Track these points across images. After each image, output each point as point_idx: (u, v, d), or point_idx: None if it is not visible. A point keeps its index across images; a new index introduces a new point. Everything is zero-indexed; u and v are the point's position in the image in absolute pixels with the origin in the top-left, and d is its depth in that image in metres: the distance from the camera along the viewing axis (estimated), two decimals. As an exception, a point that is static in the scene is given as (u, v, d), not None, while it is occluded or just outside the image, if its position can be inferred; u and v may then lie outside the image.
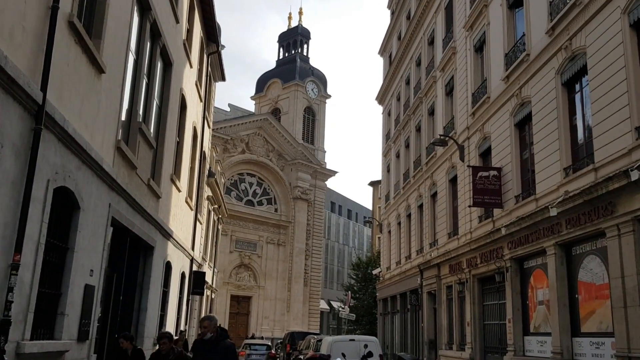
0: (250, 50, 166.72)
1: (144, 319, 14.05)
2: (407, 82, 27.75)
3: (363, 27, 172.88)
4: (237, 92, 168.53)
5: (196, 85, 19.90)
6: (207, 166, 24.77)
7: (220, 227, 32.76)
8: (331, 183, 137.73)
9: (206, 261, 25.93)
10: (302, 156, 56.55)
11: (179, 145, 17.64)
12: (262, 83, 62.63)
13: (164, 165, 15.14)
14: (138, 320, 14.01)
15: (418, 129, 25.08)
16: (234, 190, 52.43)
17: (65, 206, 8.41)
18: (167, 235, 15.80)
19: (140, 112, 12.79)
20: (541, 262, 13.31)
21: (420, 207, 24.02)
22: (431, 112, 23.18)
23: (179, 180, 17.32)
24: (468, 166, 16.84)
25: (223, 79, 26.23)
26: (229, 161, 50.66)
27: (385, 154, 32.05)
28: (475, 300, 17.16)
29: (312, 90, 60.64)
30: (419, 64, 25.74)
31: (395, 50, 30.00)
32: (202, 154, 22.67)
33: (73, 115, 8.25)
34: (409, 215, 26.03)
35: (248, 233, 52.21)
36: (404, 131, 27.47)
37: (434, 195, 22.23)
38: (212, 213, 27.79)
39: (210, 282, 27.91)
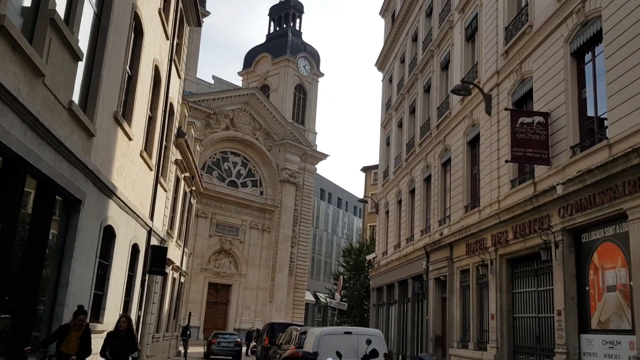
0: (244, 40, 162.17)
1: (63, 298, 10.21)
2: (414, 39, 24.00)
3: (361, 6, 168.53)
4: (228, 80, 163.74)
5: (160, 14, 16.02)
6: (176, 124, 20.89)
7: (194, 201, 28.87)
8: (321, 169, 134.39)
9: (172, 238, 22.08)
10: (292, 136, 52.65)
11: (132, 81, 13.81)
12: (251, 58, 58.59)
13: (103, 96, 11.28)
14: (55, 299, 10.16)
15: (427, 89, 21.35)
16: (216, 169, 48.43)
17: None
18: (106, 190, 11.93)
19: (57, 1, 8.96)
20: (613, 232, 9.65)
21: (428, 179, 20.34)
22: (445, 66, 19.46)
23: (130, 125, 13.47)
24: (506, 109, 13.10)
25: (198, 24, 22.32)
26: (211, 137, 46.68)
27: (385, 124, 28.30)
28: (504, 287, 13.50)
29: (304, 67, 56.70)
30: (429, 13, 22.01)
31: (400, 4, 26.21)
32: (169, 106, 18.81)
33: None
34: (412, 191, 22.34)
35: (230, 216, 48.27)
36: (409, 95, 23.74)
37: (445, 164, 18.53)
38: (183, 183, 23.91)
39: (178, 263, 24.06)
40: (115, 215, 12.95)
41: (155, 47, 15.96)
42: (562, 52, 11.51)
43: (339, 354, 8.63)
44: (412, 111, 23.18)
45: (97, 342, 12.02)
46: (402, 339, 21.96)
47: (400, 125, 25.23)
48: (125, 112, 13.39)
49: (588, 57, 11.08)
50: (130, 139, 13.61)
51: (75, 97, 10.07)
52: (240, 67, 59.64)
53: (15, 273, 8.48)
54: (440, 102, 19.30)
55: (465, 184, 16.43)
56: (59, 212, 9.94)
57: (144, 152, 15.41)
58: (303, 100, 57.06)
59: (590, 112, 10.88)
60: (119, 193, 12.88)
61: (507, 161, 12.57)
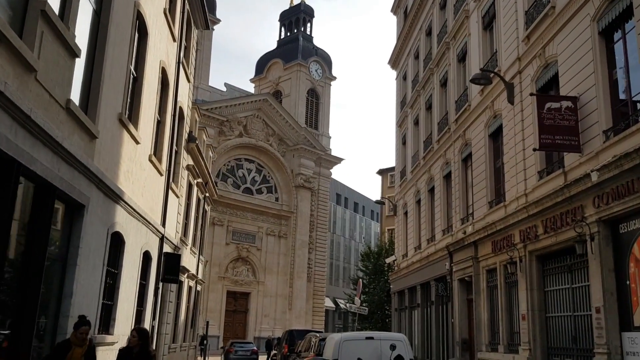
0: (256, 49, 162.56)
1: (68, 308, 9.64)
2: (428, 33, 23.32)
3: (371, 6, 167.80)
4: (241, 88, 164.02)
5: (165, 15, 15.55)
6: (187, 129, 20.41)
7: (208, 208, 28.37)
8: (337, 174, 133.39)
9: (187, 245, 21.56)
10: (305, 141, 52.07)
11: (137, 83, 13.32)
12: (262, 64, 58.25)
13: (106, 96, 10.76)
14: (59, 310, 9.62)
15: (443, 84, 20.64)
16: (231, 177, 48.01)
17: None
18: (112, 194, 11.39)
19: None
20: (656, 220, 8.88)
21: (447, 176, 19.59)
22: (461, 58, 18.74)
23: (137, 128, 12.95)
24: (532, 94, 12.35)
25: (206, 26, 21.88)
26: (224, 145, 46.31)
27: (400, 123, 27.59)
28: (534, 286, 12.71)
29: (315, 71, 56.18)
30: (443, 5, 21.33)
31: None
32: (178, 110, 18.31)
33: None
34: (431, 190, 21.59)
35: (246, 224, 47.77)
36: (425, 91, 23.03)
37: (466, 159, 17.78)
38: (196, 189, 23.41)
39: (193, 271, 23.53)
40: (123, 221, 12.42)
41: (162, 49, 15.48)
42: (589, 31, 10.77)
43: (361, 361, 7.94)
44: (429, 107, 22.47)
45: (106, 355, 11.48)
46: (427, 343, 21.16)
47: (416, 122, 24.52)
48: (132, 114, 12.91)
49: (617, 35, 10.32)
50: (137, 142, 13.09)
51: (75, 97, 9.58)
52: (252, 76, 59.32)
53: (11, 283, 7.94)
54: (459, 95, 18.58)
55: (488, 178, 15.67)
56: (60, 218, 9.44)
57: (153, 156, 14.89)
58: (316, 105, 56.53)
59: (623, 94, 10.11)
60: (127, 198, 12.34)
61: (535, 150, 11.80)
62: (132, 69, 12.72)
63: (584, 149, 10.70)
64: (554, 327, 12.20)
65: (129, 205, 12.55)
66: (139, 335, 8.27)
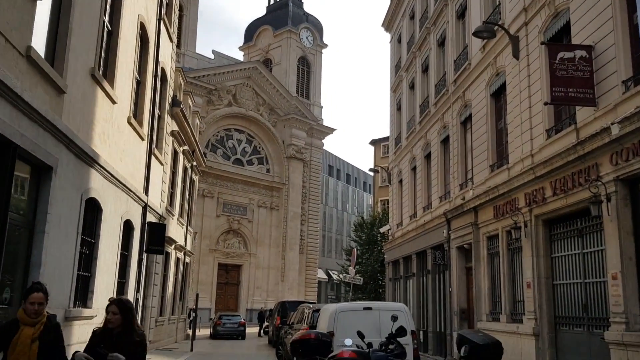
0: (246, 20, 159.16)
1: (35, 279, 8.73)
2: (425, -10, 22.17)
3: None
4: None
5: (143, -37, 14.39)
6: (170, 92, 19.31)
7: (196, 177, 27.40)
8: (329, 145, 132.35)
9: (173, 215, 20.66)
10: (297, 111, 50.91)
11: (112, 37, 12.25)
12: (251, 31, 56.62)
13: (75, 48, 9.71)
14: (25, 282, 8.74)
15: (441, 43, 19.59)
16: (220, 147, 46.89)
17: None
18: (85, 157, 10.42)
19: None
20: (683, 177, 8.06)
21: (445, 140, 18.69)
22: (461, 14, 17.68)
23: (112, 86, 11.93)
24: (542, 43, 11.41)
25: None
26: (213, 114, 45.09)
27: (395, 88, 26.56)
28: (541, 252, 11.95)
29: (306, 38, 54.69)
30: (441, -40, 20.13)
31: (408, -44, 24.30)
32: (160, 71, 17.20)
33: None
34: (427, 156, 20.72)
35: (237, 195, 46.88)
36: (421, 52, 21.97)
37: (465, 122, 16.88)
38: (183, 157, 22.41)
39: (181, 242, 22.69)
40: (99, 187, 11.47)
41: (140, 3, 14.35)
42: (607, -28, 9.79)
43: (360, 334, 7.13)
44: (425, 69, 21.45)
45: (84, 329, 10.64)
46: (423, 313, 20.55)
47: (411, 86, 23.51)
48: (107, 71, 11.90)
49: (640, -26, 9.36)
50: (113, 102, 12.09)
51: (40, 47, 8.60)
52: (241, 47, 57.59)
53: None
54: (458, 54, 17.58)
55: (489, 141, 14.80)
56: (26, 181, 8.53)
57: (133, 119, 13.88)
58: (307, 73, 55.19)
59: (645, 40, 9.21)
60: (103, 162, 11.38)
61: (546, 103, 10.89)
62: (106, 21, 11.67)
63: (599, 102, 9.82)
64: (561, 295, 11.48)
65: (105, 169, 11.59)
66: (121, 308, 5.12)
